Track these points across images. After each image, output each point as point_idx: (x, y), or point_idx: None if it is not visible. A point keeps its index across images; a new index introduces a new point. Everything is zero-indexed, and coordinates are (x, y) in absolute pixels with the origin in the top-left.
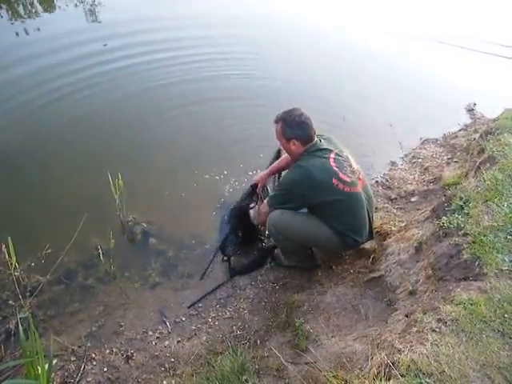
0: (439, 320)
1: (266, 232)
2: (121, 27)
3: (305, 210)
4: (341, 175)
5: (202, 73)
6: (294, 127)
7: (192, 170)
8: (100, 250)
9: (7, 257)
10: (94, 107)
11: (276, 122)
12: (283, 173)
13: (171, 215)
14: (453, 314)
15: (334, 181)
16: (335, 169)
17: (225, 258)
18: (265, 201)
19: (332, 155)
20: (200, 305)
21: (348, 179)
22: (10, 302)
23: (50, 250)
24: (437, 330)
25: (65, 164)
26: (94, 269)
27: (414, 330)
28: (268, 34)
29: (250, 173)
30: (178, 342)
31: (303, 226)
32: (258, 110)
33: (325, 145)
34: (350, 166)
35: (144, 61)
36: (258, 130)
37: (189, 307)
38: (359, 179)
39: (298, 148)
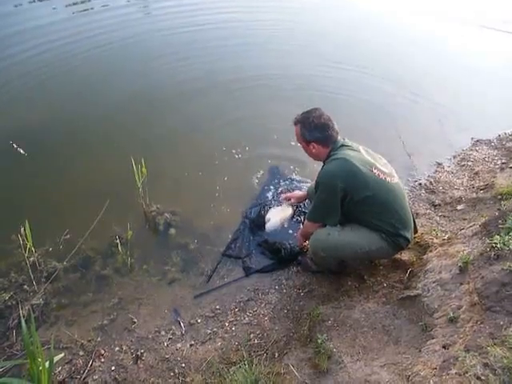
0: (486, 365)
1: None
2: None
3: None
4: (378, 165)
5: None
6: (313, 130)
7: (222, 158)
8: (118, 240)
9: (26, 240)
10: (120, 86)
11: (295, 124)
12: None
13: (197, 206)
14: (504, 360)
15: (374, 170)
16: (371, 159)
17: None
18: (305, 222)
19: (361, 148)
20: (218, 307)
21: (386, 170)
22: (26, 286)
23: (68, 236)
24: (483, 378)
25: (88, 149)
26: (112, 258)
27: (454, 371)
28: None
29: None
30: (191, 345)
31: (354, 242)
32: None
33: (349, 142)
34: (380, 158)
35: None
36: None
37: (195, 297)
38: (391, 170)
39: (319, 150)
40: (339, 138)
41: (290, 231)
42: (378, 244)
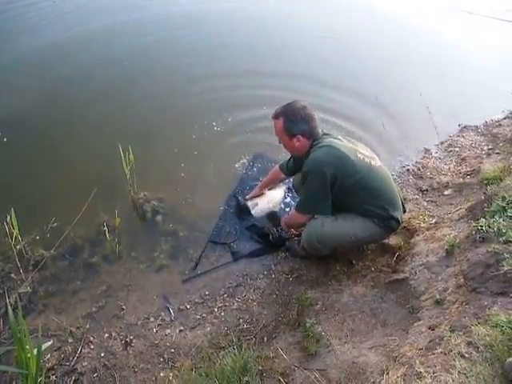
0: (469, 343)
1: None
2: None
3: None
4: (360, 150)
5: None
6: (299, 122)
7: (208, 144)
8: (106, 228)
9: (12, 228)
10: (107, 77)
11: (276, 117)
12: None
13: (185, 193)
14: (487, 338)
15: (359, 155)
16: (352, 145)
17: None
18: (293, 212)
19: (340, 137)
20: (207, 292)
21: (368, 153)
22: (13, 275)
23: (55, 224)
24: (466, 355)
25: (76, 136)
26: (100, 246)
27: (439, 350)
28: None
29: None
30: (181, 331)
31: (348, 231)
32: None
33: (329, 132)
34: (360, 144)
35: None
36: None
37: (184, 281)
38: (372, 153)
39: (303, 143)
40: (319, 129)
41: (279, 215)
42: (372, 230)
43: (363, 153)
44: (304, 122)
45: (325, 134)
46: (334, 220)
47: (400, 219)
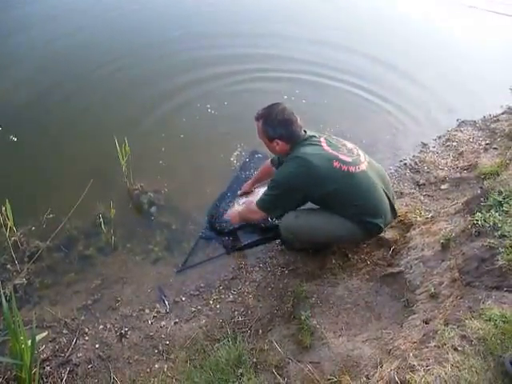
0: (463, 337)
1: None
2: None
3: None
4: (341, 156)
5: None
6: (276, 126)
7: (203, 132)
8: (102, 219)
9: (7, 219)
10: (104, 65)
11: (257, 119)
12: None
13: (181, 185)
14: (480, 331)
15: (335, 164)
16: (332, 151)
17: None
18: (252, 205)
19: (322, 139)
20: (202, 285)
21: (349, 159)
22: (8, 266)
23: (51, 215)
24: (460, 348)
25: (72, 127)
26: (96, 238)
27: (433, 343)
28: None
29: None
30: (176, 323)
31: (323, 226)
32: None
33: (312, 133)
34: (344, 145)
35: None
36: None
37: (177, 272)
38: (359, 155)
39: (283, 147)
40: (302, 132)
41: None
42: (349, 229)
43: (342, 159)
44: (281, 127)
45: (305, 139)
46: (309, 213)
47: (381, 225)
